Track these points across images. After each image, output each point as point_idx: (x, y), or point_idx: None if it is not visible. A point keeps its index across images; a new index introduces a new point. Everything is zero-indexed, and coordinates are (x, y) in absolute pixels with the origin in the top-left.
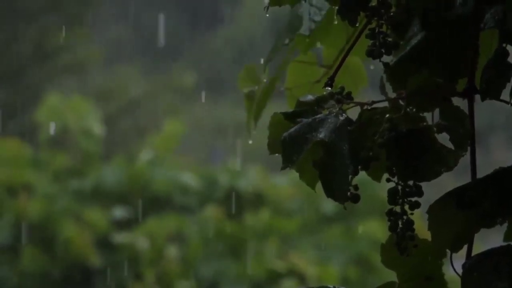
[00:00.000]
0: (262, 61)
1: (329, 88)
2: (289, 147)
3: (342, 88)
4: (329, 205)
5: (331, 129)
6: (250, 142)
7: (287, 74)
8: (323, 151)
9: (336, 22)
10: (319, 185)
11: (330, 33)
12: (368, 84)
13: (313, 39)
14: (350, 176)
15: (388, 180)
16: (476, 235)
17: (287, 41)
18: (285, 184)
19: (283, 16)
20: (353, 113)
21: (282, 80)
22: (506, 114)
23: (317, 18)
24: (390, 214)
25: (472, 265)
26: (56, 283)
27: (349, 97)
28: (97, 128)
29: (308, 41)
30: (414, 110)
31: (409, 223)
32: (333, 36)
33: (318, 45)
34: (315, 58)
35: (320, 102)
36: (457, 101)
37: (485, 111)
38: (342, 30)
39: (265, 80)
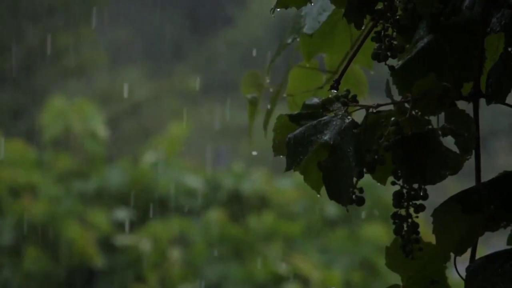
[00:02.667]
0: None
1: (335, 91)
2: (293, 148)
3: (348, 91)
4: (333, 208)
5: (336, 132)
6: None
7: (288, 80)
8: (328, 153)
9: (339, 28)
10: (323, 188)
11: (334, 40)
12: (370, 89)
13: (316, 46)
14: (354, 179)
15: (393, 183)
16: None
17: (290, 40)
18: (289, 187)
19: (288, 19)
20: (359, 116)
21: (284, 86)
22: (510, 118)
23: (321, 18)
24: (395, 217)
25: (476, 269)
26: (59, 284)
27: (354, 99)
28: (101, 130)
29: (311, 47)
30: (420, 113)
31: (414, 226)
32: (337, 43)
33: (321, 52)
34: (317, 65)
35: (325, 104)
36: (462, 104)
37: (488, 115)
38: (346, 37)
39: (268, 81)
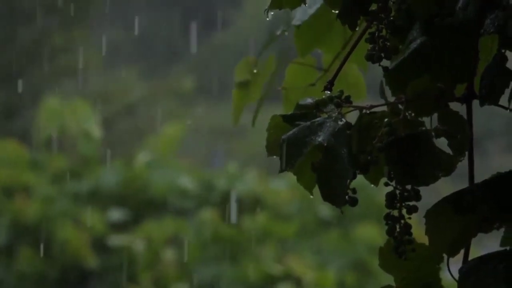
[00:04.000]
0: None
1: (328, 92)
2: (287, 150)
3: (341, 92)
4: (326, 209)
5: (330, 133)
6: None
7: (285, 75)
8: (321, 154)
9: (336, 26)
10: (316, 189)
11: (331, 37)
12: (366, 92)
13: (312, 42)
14: (348, 180)
15: (386, 184)
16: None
17: (279, 31)
18: (283, 188)
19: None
20: (352, 117)
21: (279, 79)
22: (504, 119)
23: (311, 11)
24: (388, 218)
25: (469, 270)
26: (52, 284)
27: (348, 101)
28: (96, 131)
29: (306, 43)
30: (413, 114)
31: (407, 227)
32: (334, 41)
33: (317, 48)
34: (314, 62)
35: (319, 105)
36: (455, 106)
37: (482, 117)
38: (341, 35)
39: (254, 71)
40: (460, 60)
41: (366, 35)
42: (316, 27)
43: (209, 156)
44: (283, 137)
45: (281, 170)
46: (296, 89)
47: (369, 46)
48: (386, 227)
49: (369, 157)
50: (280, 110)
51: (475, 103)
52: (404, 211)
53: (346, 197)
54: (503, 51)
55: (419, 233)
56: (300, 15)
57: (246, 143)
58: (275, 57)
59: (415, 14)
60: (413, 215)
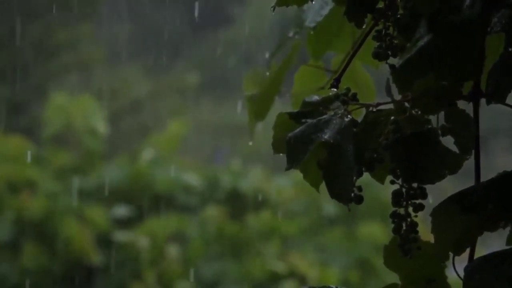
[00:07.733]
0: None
1: (335, 89)
2: (294, 147)
3: (348, 89)
4: (330, 207)
5: (336, 130)
6: (251, 143)
7: (294, 79)
8: (327, 152)
9: (347, 26)
10: (322, 186)
11: (340, 39)
12: (374, 91)
13: (324, 44)
14: (354, 177)
15: (392, 182)
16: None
17: (291, 33)
18: (287, 185)
19: (288, 17)
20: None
21: (288, 84)
22: (510, 118)
23: (323, 12)
24: (394, 216)
25: (474, 268)
26: (56, 280)
27: (354, 98)
28: (102, 127)
29: (318, 46)
30: (419, 112)
31: (413, 225)
32: (343, 42)
33: (329, 51)
34: (323, 65)
35: (325, 102)
36: (462, 104)
37: (488, 115)
38: (350, 36)
39: (267, 73)
40: (465, 59)
41: (374, 33)
42: (327, 30)
43: (213, 153)
44: (289, 134)
45: (288, 168)
46: (305, 93)
47: (376, 44)
48: (392, 225)
49: (374, 155)
50: (287, 108)
51: (482, 101)
52: (410, 209)
53: (352, 194)
54: (510, 49)
55: (425, 231)
56: (312, 15)
57: (252, 141)
58: (275, 62)
59: (420, 12)
60: (419, 214)
